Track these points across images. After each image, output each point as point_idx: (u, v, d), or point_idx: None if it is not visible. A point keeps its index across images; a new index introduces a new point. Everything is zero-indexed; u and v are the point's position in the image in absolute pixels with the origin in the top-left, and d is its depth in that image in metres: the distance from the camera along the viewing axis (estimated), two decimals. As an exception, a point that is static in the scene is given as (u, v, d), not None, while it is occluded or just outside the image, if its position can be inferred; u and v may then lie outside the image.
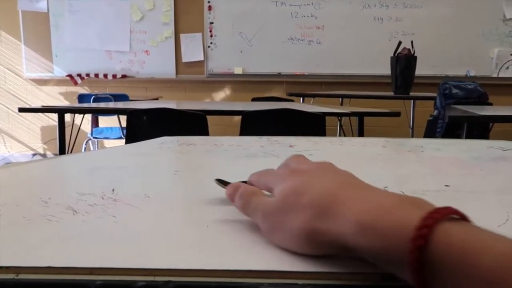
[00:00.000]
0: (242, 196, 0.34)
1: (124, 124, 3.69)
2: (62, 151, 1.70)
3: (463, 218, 0.24)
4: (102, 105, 2.47)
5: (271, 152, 0.68)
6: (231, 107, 1.88)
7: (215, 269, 0.25)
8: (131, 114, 1.56)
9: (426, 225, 0.22)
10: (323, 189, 0.29)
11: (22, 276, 0.25)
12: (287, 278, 0.25)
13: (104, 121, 3.95)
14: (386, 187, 0.44)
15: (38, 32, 4.15)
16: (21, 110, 1.73)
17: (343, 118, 3.55)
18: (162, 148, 0.77)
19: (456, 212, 0.24)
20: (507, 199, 0.42)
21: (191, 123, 1.61)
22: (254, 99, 3.45)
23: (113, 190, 0.45)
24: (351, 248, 0.25)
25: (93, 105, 2.54)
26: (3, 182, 0.50)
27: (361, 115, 1.71)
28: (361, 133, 1.75)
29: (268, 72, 4.27)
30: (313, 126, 1.50)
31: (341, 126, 3.51)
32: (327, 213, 0.27)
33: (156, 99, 3.78)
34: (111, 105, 2.30)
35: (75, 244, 0.30)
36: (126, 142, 1.54)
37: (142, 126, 1.54)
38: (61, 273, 0.25)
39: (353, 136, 3.66)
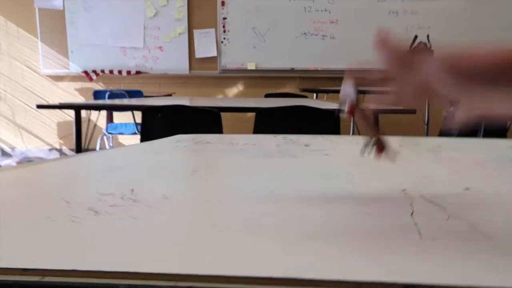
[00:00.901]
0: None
1: (138, 120, 3.72)
2: (78, 146, 1.73)
3: None
4: (117, 101, 2.50)
5: (286, 152, 0.68)
6: (244, 103, 1.88)
7: (236, 275, 0.25)
8: (146, 111, 1.57)
9: None
10: None
11: (48, 279, 0.26)
12: (307, 286, 0.25)
13: (119, 117, 3.99)
14: (404, 190, 0.44)
15: (54, 29, 4.21)
16: (39, 106, 1.77)
17: (357, 114, 3.52)
18: (178, 146, 0.77)
19: None
20: (529, 202, 0.41)
21: (205, 120, 1.62)
22: (267, 95, 3.44)
23: (132, 190, 0.45)
24: None
25: (109, 101, 2.57)
26: (26, 181, 0.51)
27: (375, 113, 1.69)
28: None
29: (281, 68, 4.26)
30: (327, 123, 1.49)
31: (354, 123, 3.48)
32: None
33: (170, 95, 3.80)
34: (126, 101, 2.32)
35: (99, 247, 0.30)
36: (141, 139, 1.56)
37: (157, 122, 1.56)
38: (86, 277, 0.26)
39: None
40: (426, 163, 0.60)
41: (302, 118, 1.54)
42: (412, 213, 0.36)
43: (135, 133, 3.53)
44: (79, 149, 1.73)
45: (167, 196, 0.43)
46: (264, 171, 0.55)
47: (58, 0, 4.19)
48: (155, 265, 0.27)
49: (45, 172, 0.57)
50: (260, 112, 1.64)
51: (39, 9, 4.19)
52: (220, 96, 4.33)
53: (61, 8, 4.19)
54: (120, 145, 4.28)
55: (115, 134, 3.68)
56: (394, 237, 0.32)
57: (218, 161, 0.64)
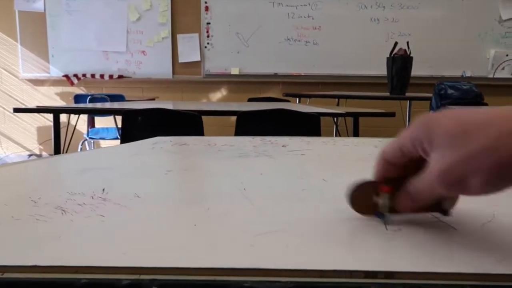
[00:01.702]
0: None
1: (120, 125, 3.68)
2: (57, 151, 1.69)
3: None
4: (98, 105, 2.47)
5: (263, 152, 0.69)
6: (226, 107, 1.88)
7: (200, 267, 0.25)
8: (127, 115, 1.56)
9: None
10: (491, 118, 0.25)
11: (8, 275, 0.25)
12: (271, 276, 0.25)
13: (100, 122, 3.94)
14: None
15: (35, 32, 4.14)
16: (16, 110, 1.73)
17: (339, 118, 3.55)
18: (155, 148, 0.77)
19: None
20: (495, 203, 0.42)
21: (186, 124, 1.61)
22: (250, 100, 3.45)
23: (103, 190, 0.45)
24: None
25: (89, 105, 2.54)
26: (-6, 182, 0.50)
27: (356, 116, 1.71)
28: (356, 134, 1.76)
29: (264, 73, 4.28)
30: (308, 126, 1.50)
31: (336, 126, 3.52)
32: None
33: (153, 99, 3.77)
34: (107, 105, 2.29)
35: (62, 243, 0.30)
36: (121, 143, 1.54)
37: (138, 126, 1.54)
38: (47, 272, 0.26)
39: (348, 136, 3.66)
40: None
41: (283, 122, 1.55)
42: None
43: (117, 138, 3.50)
44: (58, 154, 1.69)
45: (139, 195, 0.43)
46: (239, 171, 0.55)
47: (39, 3, 4.13)
48: (119, 259, 0.26)
49: (15, 173, 0.56)
50: (241, 115, 1.65)
51: (19, 11, 4.13)
52: (204, 101, 4.32)
53: (42, 10, 4.13)
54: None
55: (97, 139, 3.63)
56: (360, 229, 0.32)
57: (193, 162, 0.64)
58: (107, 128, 3.70)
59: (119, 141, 3.75)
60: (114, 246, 0.29)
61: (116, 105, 2.21)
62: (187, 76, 4.26)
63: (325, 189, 0.46)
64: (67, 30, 4.17)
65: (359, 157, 0.64)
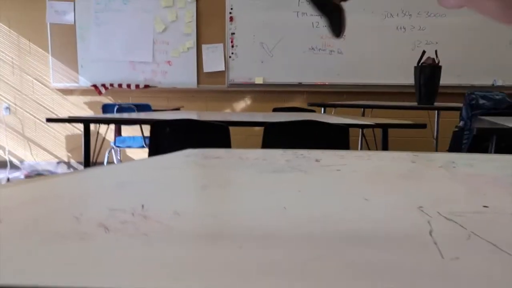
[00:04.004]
0: None
1: (146, 134, 3.74)
2: (87, 160, 1.73)
3: None
4: (125, 115, 2.51)
5: (297, 167, 0.68)
6: (252, 118, 1.88)
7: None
8: (155, 125, 1.58)
9: None
10: None
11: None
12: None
13: (127, 130, 4.01)
14: (421, 207, 0.43)
15: (65, 43, 4.27)
16: (49, 120, 1.78)
17: (365, 129, 3.50)
18: (188, 161, 0.77)
19: None
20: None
21: (214, 134, 1.62)
22: (275, 110, 3.45)
23: (142, 206, 0.45)
24: None
25: (117, 115, 2.58)
26: (35, 196, 0.51)
27: (385, 127, 1.68)
28: (385, 146, 1.72)
29: (288, 82, 4.27)
30: (336, 137, 1.48)
31: (363, 137, 3.47)
32: None
33: (178, 109, 3.82)
34: (134, 115, 2.33)
35: (109, 263, 0.29)
36: (150, 153, 1.56)
37: (166, 136, 1.56)
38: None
39: (376, 147, 3.61)
40: (441, 179, 0.59)
41: (311, 133, 1.53)
42: (431, 232, 0.35)
43: (143, 146, 3.55)
44: (87, 162, 1.73)
45: (178, 213, 0.43)
46: (275, 186, 0.54)
47: (69, 16, 4.26)
48: (167, 283, 0.26)
49: (55, 187, 0.57)
50: (268, 127, 1.64)
51: (50, 24, 4.27)
52: (228, 110, 4.34)
53: (72, 23, 4.26)
54: (128, 158, 4.30)
55: (123, 147, 3.70)
56: (414, 256, 0.30)
57: (228, 176, 0.64)
58: (133, 137, 3.76)
59: (145, 149, 3.80)
60: (162, 268, 0.28)
61: (143, 115, 2.24)
62: (212, 85, 4.30)
63: (368, 209, 0.44)
64: (96, 42, 4.28)
65: (399, 174, 0.62)
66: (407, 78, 3.47)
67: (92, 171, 0.68)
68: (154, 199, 0.49)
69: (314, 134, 1.51)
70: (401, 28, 4.19)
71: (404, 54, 4.09)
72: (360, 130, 3.43)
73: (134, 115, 2.52)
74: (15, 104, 4.37)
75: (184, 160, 0.78)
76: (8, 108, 4.36)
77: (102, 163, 3.45)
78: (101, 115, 2.93)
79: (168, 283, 0.26)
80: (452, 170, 0.65)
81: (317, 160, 0.73)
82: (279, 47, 4.26)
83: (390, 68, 4.18)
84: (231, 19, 4.27)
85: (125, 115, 2.41)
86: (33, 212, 0.43)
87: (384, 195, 0.49)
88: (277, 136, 1.64)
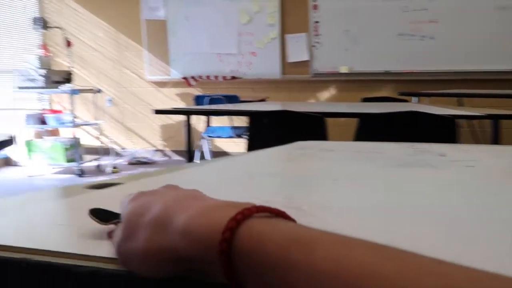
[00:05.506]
0: (113, 243, 0.30)
1: (234, 124, 3.87)
2: (188, 149, 1.86)
3: (282, 216, 0.24)
4: (215, 106, 2.62)
5: (424, 162, 0.66)
6: (349, 109, 1.85)
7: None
8: (254, 116, 1.63)
9: (235, 219, 0.22)
10: (163, 205, 0.27)
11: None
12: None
13: (216, 120, 4.19)
14: None
15: (158, 38, 4.55)
16: (158, 112, 1.93)
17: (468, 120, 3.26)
18: (305, 154, 0.79)
19: (272, 210, 0.24)
20: None
21: (310, 126, 1.63)
22: (365, 100, 3.34)
23: (289, 198, 0.47)
24: (184, 258, 0.24)
25: (210, 106, 2.70)
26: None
27: (497, 118, 1.55)
28: (496, 138, 1.59)
29: (375, 70, 4.13)
30: (440, 130, 1.40)
31: (471, 129, 3.22)
32: (165, 227, 0.26)
33: (263, 100, 3.89)
34: (223, 106, 2.42)
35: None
36: (250, 143, 1.62)
37: (264, 128, 1.60)
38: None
39: (481, 140, 3.34)
40: None
41: (412, 125, 1.47)
42: None
43: (231, 137, 3.68)
44: (189, 151, 1.85)
45: (327, 206, 0.44)
46: (412, 182, 0.53)
47: (161, 11, 4.52)
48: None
49: (188, 177, 0.62)
50: (364, 118, 1.61)
51: (145, 20, 4.57)
52: (312, 100, 4.32)
53: (164, 18, 4.51)
54: (217, 148, 4.48)
55: (214, 137, 3.86)
56: None
57: (353, 170, 0.64)
58: (222, 127, 3.92)
59: (232, 139, 3.94)
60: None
61: (233, 106, 2.32)
62: (296, 75, 4.30)
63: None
64: (185, 36, 4.50)
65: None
66: (509, 63, 3.16)
67: (221, 161, 0.73)
68: (296, 191, 0.51)
69: (415, 126, 1.45)
70: (501, 8, 3.81)
71: (504, 37, 3.73)
72: (462, 122, 3.19)
73: (224, 106, 2.62)
74: (116, 97, 4.78)
75: (300, 153, 0.80)
76: (111, 100, 4.78)
77: (193, 152, 3.63)
78: (202, 106, 3.06)
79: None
80: None
81: (442, 155, 0.71)
82: (364, 34, 4.13)
83: (489, 53, 3.84)
84: (315, 7, 4.21)
85: (215, 106, 2.52)
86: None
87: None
88: (372, 128, 1.60)
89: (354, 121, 1.69)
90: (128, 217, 0.29)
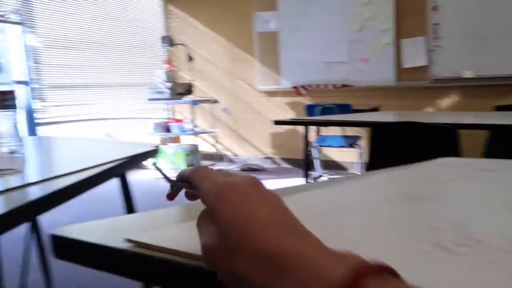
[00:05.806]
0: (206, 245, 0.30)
1: (346, 133, 3.80)
2: (306, 158, 1.87)
3: (392, 273, 0.23)
4: (335, 116, 2.59)
5: None
6: (480, 119, 1.67)
7: None
8: (376, 128, 1.57)
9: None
10: (272, 245, 0.26)
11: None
12: None
13: (326, 129, 4.16)
14: None
15: (269, 49, 4.70)
16: (277, 122, 1.99)
17: None
18: (458, 173, 0.73)
19: (384, 268, 0.23)
20: None
21: (438, 139, 1.52)
22: (498, 108, 2.96)
23: (465, 227, 0.44)
24: None
25: (340, 116, 2.64)
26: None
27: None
28: None
29: (506, 74, 3.69)
30: None
31: None
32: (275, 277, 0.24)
33: (376, 109, 3.74)
34: (341, 116, 2.38)
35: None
36: (371, 156, 1.56)
37: (384, 139, 1.54)
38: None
39: None
40: None
41: None
42: None
43: (342, 146, 3.61)
44: (306, 160, 1.87)
45: (509, 238, 0.40)
46: None
47: (273, 23, 4.66)
48: None
49: (347, 194, 0.61)
50: (496, 130, 1.44)
51: (258, 33, 4.75)
52: (430, 109, 4.04)
53: (276, 30, 4.64)
54: (326, 157, 4.43)
55: (325, 146, 3.84)
56: None
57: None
58: (333, 136, 3.87)
59: (342, 149, 3.87)
60: None
61: (343, 116, 2.26)
62: (412, 82, 4.06)
63: None
64: (295, 46, 4.56)
65: None
66: None
67: (368, 177, 0.71)
68: (468, 217, 0.47)
69: None
70: None
71: None
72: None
73: (336, 116, 2.57)
74: (230, 106, 5.04)
75: (452, 172, 0.74)
76: (225, 109, 5.06)
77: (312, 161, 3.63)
78: (319, 117, 3.05)
79: None
80: None
81: None
82: (493, 34, 3.72)
83: None
84: (435, 8, 3.93)
85: (333, 117, 2.49)
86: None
87: None
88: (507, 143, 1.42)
89: (474, 132, 1.54)
90: (225, 230, 0.28)
